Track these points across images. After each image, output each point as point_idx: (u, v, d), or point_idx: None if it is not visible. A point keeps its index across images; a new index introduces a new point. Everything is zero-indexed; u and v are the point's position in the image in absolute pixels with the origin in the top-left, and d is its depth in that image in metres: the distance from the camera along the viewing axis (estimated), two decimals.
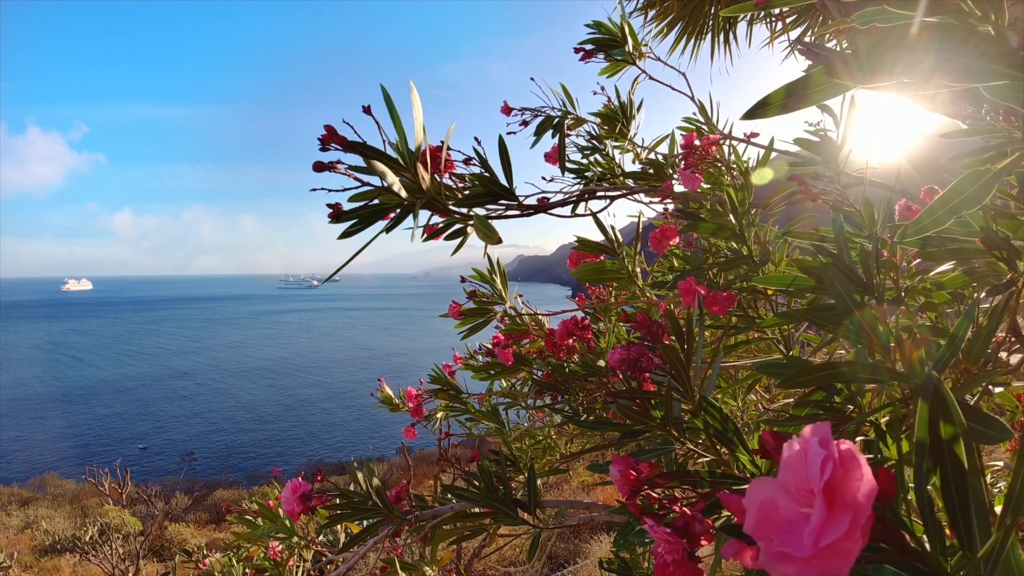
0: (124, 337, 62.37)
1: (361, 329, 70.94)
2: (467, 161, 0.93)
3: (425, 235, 0.91)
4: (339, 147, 0.73)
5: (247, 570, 2.02)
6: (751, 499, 0.30)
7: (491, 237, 0.80)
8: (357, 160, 0.75)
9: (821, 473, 0.26)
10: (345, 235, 0.79)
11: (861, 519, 0.26)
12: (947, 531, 0.36)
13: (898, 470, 0.55)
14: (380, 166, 0.73)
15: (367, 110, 0.73)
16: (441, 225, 0.89)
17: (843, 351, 1.29)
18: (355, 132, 0.74)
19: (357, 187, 0.76)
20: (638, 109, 1.83)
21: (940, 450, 0.34)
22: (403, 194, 0.76)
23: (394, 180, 0.74)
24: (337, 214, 0.76)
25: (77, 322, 78.16)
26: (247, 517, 1.87)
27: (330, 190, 0.75)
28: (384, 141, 0.76)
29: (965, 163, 0.54)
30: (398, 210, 0.80)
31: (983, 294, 0.67)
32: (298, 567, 1.90)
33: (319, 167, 0.71)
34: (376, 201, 0.78)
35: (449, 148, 0.86)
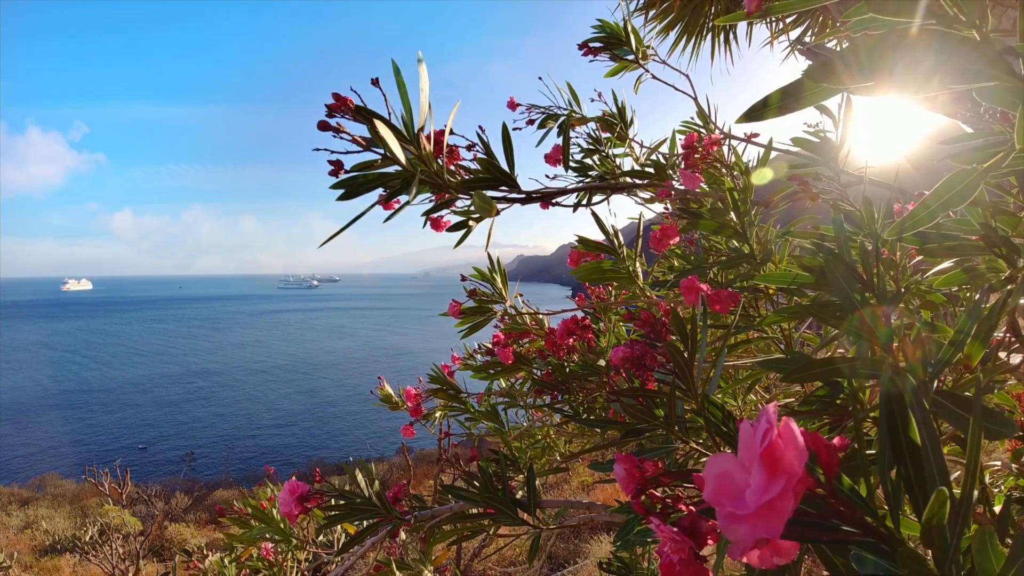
0: (127, 336, 62.52)
1: (368, 328, 71.33)
2: (470, 147, 0.94)
3: (426, 221, 0.91)
4: (346, 114, 0.74)
5: (244, 571, 2.01)
6: (709, 472, 0.34)
7: (488, 209, 0.82)
8: (363, 131, 0.77)
9: (761, 442, 0.31)
10: (344, 197, 0.80)
11: (793, 481, 0.30)
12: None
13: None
14: (384, 130, 0.74)
15: (375, 82, 0.75)
16: (441, 203, 0.90)
17: (843, 350, 1.29)
18: (362, 101, 0.76)
19: (359, 151, 0.78)
20: (633, 113, 1.84)
21: (895, 429, 0.39)
22: (402, 158, 0.77)
23: (396, 144, 0.75)
24: (339, 171, 0.78)
25: (84, 322, 78.34)
26: (241, 519, 1.86)
27: (333, 151, 0.78)
28: (390, 113, 0.78)
29: (955, 157, 0.55)
30: (398, 181, 0.81)
31: (978, 294, 0.68)
32: (292, 568, 1.89)
33: (323, 126, 0.73)
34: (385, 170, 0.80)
35: (452, 132, 0.88)
